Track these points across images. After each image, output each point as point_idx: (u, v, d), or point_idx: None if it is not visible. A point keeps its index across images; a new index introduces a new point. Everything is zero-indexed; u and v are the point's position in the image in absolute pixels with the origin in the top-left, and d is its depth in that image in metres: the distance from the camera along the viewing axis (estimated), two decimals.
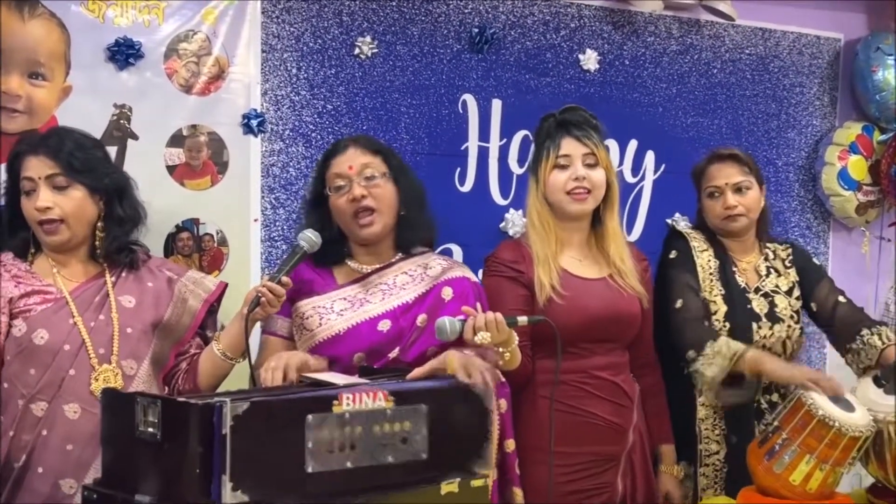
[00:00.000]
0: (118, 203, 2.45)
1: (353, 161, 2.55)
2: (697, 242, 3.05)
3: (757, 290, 3.04)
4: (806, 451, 2.55)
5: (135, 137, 2.89)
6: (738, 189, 3.02)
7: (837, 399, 2.62)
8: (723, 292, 2.98)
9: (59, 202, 2.36)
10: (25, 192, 2.38)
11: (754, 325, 2.97)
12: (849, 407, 2.60)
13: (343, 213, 2.54)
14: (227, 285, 2.60)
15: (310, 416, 1.87)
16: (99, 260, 2.46)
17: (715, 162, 3.06)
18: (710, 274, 3.00)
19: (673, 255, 3.04)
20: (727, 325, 2.95)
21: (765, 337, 2.97)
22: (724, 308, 2.97)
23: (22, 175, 2.38)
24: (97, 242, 2.44)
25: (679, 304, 2.92)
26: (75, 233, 2.40)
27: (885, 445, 2.61)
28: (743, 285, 3.03)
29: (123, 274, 2.47)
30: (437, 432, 2.04)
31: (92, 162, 2.41)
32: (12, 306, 2.34)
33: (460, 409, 2.11)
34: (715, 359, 2.79)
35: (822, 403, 2.58)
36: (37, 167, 2.36)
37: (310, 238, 2.42)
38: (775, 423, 2.65)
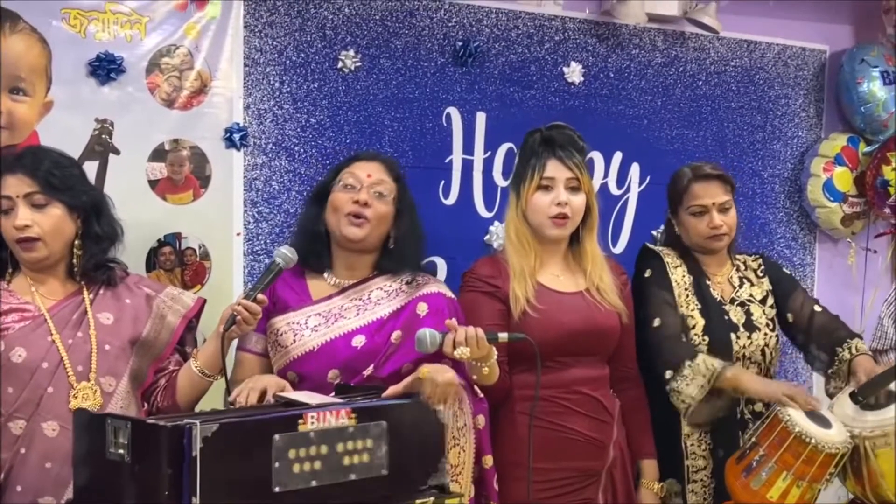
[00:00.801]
0: (95, 221, 2.45)
1: (373, 172, 2.61)
2: (671, 259, 3.06)
3: (732, 300, 3.05)
4: (783, 468, 2.56)
5: (116, 152, 2.89)
6: (722, 209, 3.03)
7: (815, 415, 2.63)
8: (699, 306, 2.99)
9: (38, 220, 2.36)
10: (3, 210, 2.37)
11: (733, 336, 2.98)
12: (826, 423, 2.61)
13: (340, 207, 2.56)
14: (205, 301, 2.60)
15: (276, 436, 1.88)
16: (76, 278, 2.46)
17: (701, 181, 3.04)
18: (686, 289, 3.01)
19: (648, 273, 3.04)
20: (706, 338, 2.96)
21: (744, 347, 2.98)
22: (702, 322, 2.97)
23: None
24: (75, 260, 2.44)
25: (657, 322, 2.92)
26: (53, 250, 2.40)
27: (863, 461, 2.62)
28: (718, 298, 3.04)
29: (101, 291, 2.47)
30: (396, 448, 2.05)
31: (70, 180, 2.41)
32: None
33: (417, 425, 2.14)
34: (694, 379, 2.80)
35: (798, 420, 2.59)
36: (15, 185, 2.36)
37: (285, 255, 2.42)
38: (753, 440, 2.66)
